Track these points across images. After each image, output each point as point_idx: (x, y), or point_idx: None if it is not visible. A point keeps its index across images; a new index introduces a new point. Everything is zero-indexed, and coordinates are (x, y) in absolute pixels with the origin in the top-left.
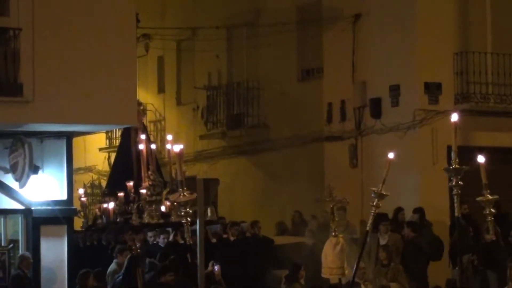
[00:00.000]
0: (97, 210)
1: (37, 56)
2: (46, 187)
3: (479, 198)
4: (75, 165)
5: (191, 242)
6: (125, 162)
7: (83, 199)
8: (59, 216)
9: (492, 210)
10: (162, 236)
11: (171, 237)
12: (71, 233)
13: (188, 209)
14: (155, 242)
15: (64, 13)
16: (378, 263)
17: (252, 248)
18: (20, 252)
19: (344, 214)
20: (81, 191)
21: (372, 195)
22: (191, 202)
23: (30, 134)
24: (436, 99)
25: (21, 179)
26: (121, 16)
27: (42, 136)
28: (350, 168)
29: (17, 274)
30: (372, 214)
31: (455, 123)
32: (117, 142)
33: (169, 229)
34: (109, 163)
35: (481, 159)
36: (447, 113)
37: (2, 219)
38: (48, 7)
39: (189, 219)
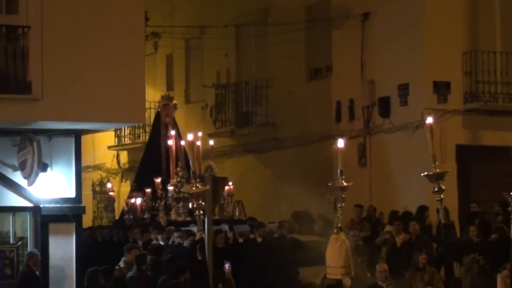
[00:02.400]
0: (124, 205)
1: (46, 54)
2: (54, 185)
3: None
4: (84, 163)
5: (203, 236)
6: (154, 157)
7: (111, 193)
8: (68, 213)
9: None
10: (189, 239)
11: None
12: (80, 230)
13: (200, 201)
14: (180, 242)
15: (73, 11)
16: (412, 266)
17: (279, 249)
18: (29, 249)
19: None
20: (109, 185)
21: (333, 187)
22: (203, 194)
23: (38, 132)
24: (445, 98)
25: (29, 176)
26: (130, 14)
27: (51, 133)
28: (358, 167)
29: (25, 272)
30: (339, 207)
31: (430, 124)
32: (126, 140)
33: (195, 230)
34: (118, 161)
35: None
36: (456, 112)
37: (10, 217)
38: (56, 5)
39: (201, 211)
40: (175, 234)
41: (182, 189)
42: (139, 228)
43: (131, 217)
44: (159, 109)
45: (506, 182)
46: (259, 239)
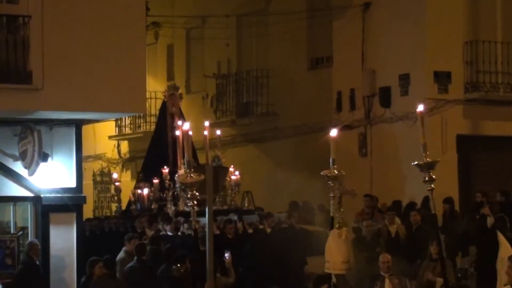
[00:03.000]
0: (131, 195)
1: (47, 43)
2: (55, 174)
3: None
4: (85, 152)
5: (197, 227)
6: (160, 148)
7: (117, 183)
8: (68, 203)
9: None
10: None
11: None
12: (80, 220)
13: (195, 192)
14: (189, 232)
15: (74, 1)
16: (427, 257)
17: (288, 239)
18: (29, 239)
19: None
20: (115, 175)
21: (325, 178)
22: (198, 184)
23: (39, 122)
24: (446, 88)
25: (30, 166)
26: (131, 4)
27: (51, 123)
28: (359, 157)
29: (26, 261)
30: (337, 196)
31: (420, 113)
32: (126, 130)
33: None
34: (118, 151)
35: None
36: (457, 102)
37: (11, 207)
38: None
39: (195, 202)
40: (185, 225)
41: (176, 179)
42: (146, 217)
43: (138, 207)
44: (165, 99)
45: (507, 172)
46: (268, 229)
